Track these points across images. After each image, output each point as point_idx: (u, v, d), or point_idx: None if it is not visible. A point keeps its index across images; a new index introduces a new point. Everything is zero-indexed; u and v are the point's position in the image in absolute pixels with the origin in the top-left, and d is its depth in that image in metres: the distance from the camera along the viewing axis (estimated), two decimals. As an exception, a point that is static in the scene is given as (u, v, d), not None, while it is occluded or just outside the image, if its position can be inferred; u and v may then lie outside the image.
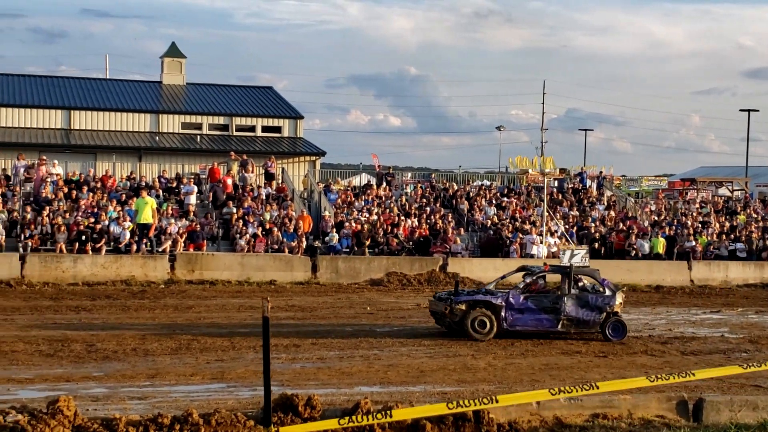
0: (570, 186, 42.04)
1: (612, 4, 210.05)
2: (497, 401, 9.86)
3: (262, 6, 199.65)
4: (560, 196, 39.86)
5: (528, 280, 20.03)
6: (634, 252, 34.04)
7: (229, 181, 34.94)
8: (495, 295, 19.52)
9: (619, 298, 19.79)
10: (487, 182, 43.85)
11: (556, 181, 42.66)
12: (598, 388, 9.89)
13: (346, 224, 32.89)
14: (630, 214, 38.97)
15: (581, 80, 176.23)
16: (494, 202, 38.02)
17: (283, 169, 39.17)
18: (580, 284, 20.09)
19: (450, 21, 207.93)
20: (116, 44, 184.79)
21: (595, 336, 19.82)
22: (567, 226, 35.76)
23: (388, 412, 9.47)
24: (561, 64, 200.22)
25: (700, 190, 52.02)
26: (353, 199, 36.75)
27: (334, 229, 32.38)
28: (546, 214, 34.45)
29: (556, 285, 20.67)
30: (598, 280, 20.09)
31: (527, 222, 35.46)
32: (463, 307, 19.13)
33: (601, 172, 45.93)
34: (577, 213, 37.94)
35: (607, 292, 19.75)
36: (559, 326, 19.44)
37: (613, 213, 38.37)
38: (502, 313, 19.19)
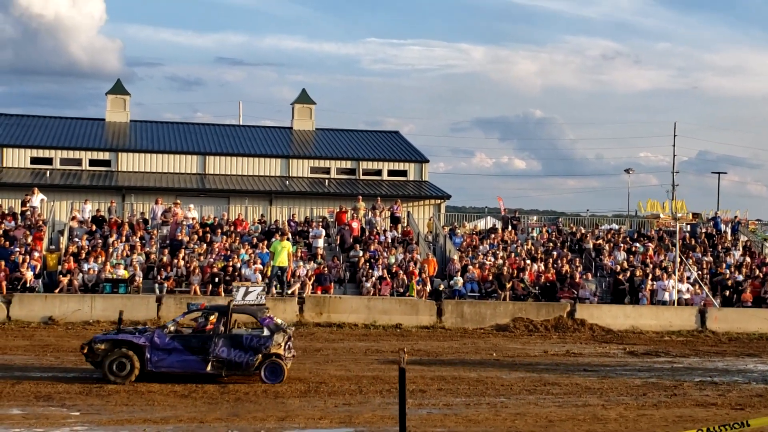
0: (703, 231, 40.84)
1: (741, 43, 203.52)
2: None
3: (387, 52, 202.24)
4: (693, 242, 38.77)
5: (178, 319, 19.08)
6: (772, 300, 32.74)
7: (356, 225, 35.45)
8: (140, 334, 18.48)
9: (280, 339, 18.46)
10: (615, 226, 43.03)
11: (689, 226, 41.47)
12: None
13: (470, 268, 32.79)
14: (767, 260, 37.54)
15: (713, 122, 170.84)
16: (623, 246, 37.24)
17: (408, 212, 39.47)
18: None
19: (575, 63, 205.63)
20: (249, 91, 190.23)
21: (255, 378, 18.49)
22: (700, 272, 34.72)
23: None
24: (691, 106, 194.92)
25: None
26: (478, 242, 36.66)
27: (459, 273, 32.35)
28: (678, 259, 33.55)
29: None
30: (258, 318, 18.91)
31: (659, 268, 34.58)
32: (103, 346, 18.05)
33: (735, 217, 44.44)
34: (711, 259, 36.80)
35: (266, 332, 18.48)
36: (208, 368, 18.19)
37: (749, 259, 37.05)
38: (147, 354, 18.06)
